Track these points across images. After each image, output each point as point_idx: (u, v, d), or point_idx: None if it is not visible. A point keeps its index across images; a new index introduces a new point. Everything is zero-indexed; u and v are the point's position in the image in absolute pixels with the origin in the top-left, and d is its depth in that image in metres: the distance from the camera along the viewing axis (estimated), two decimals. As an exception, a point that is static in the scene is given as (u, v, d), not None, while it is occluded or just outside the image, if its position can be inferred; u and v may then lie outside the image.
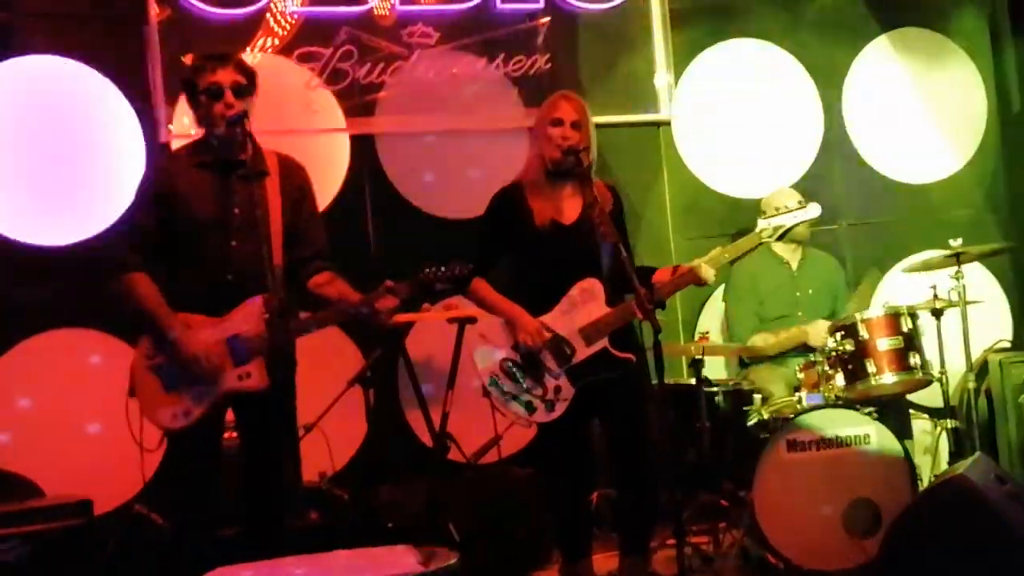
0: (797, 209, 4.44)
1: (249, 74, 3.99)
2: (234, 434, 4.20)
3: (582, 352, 4.21)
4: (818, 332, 5.31)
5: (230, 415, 4.07)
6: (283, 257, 3.97)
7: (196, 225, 3.93)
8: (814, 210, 4.45)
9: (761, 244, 4.46)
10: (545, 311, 4.23)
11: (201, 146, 4.05)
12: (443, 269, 3.99)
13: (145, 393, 3.93)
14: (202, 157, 4.01)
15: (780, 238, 4.51)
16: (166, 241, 3.97)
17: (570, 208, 4.31)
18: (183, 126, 5.35)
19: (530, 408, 4.21)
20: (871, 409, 4.77)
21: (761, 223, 4.42)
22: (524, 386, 4.21)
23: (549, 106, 4.34)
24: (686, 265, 4.27)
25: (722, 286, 5.83)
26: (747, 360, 5.62)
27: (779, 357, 5.45)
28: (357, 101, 5.87)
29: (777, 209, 4.44)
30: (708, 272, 4.24)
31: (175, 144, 5.40)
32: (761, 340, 5.49)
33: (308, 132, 5.76)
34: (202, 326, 3.91)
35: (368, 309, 3.93)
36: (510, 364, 4.23)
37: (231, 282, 3.93)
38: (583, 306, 4.22)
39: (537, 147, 4.33)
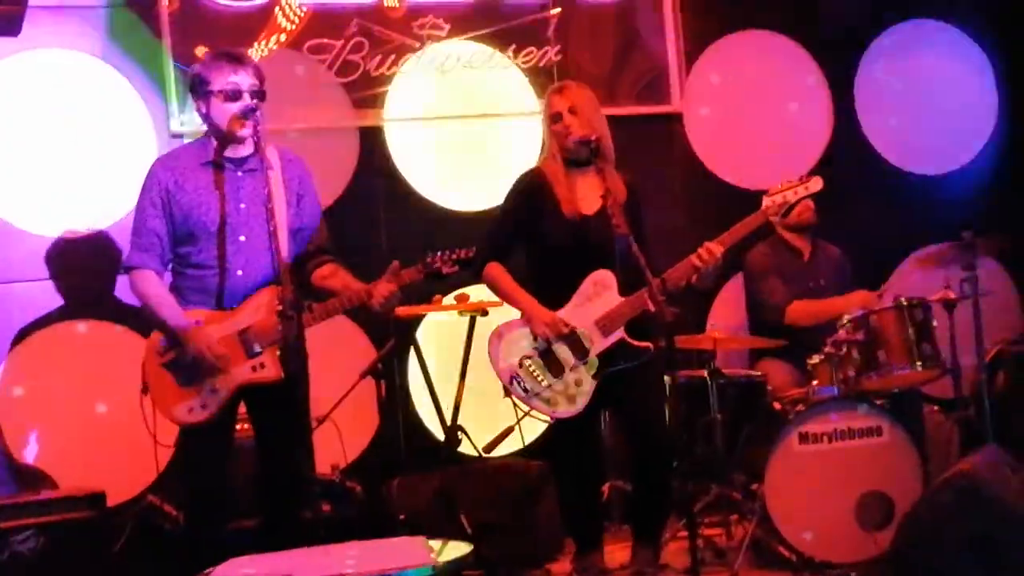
0: (799, 184, 4.41)
1: (262, 78, 4.01)
2: (247, 426, 4.22)
3: (600, 344, 4.20)
4: (862, 300, 5.17)
5: (242, 408, 4.08)
6: (289, 251, 3.97)
7: (204, 223, 3.94)
8: (816, 184, 4.41)
9: (768, 221, 4.42)
10: (560, 303, 4.22)
11: (207, 143, 4.05)
12: (448, 252, 3.98)
13: (158, 389, 3.94)
14: (208, 154, 4.01)
15: (786, 215, 4.46)
16: (172, 239, 3.98)
17: (592, 198, 4.31)
18: (194, 119, 5.35)
19: (552, 404, 4.20)
20: (883, 401, 4.76)
21: (766, 200, 4.41)
22: (545, 382, 4.20)
23: (545, 105, 4.41)
24: None
25: (736, 274, 5.81)
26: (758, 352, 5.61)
27: (791, 350, 5.42)
28: (367, 93, 5.87)
29: (780, 185, 4.41)
30: (716, 248, 4.21)
31: (186, 136, 5.41)
32: (801, 308, 5.42)
33: (318, 127, 5.76)
34: (212, 321, 3.93)
35: (369, 296, 3.93)
36: (529, 361, 4.22)
37: (240, 278, 3.95)
38: (597, 298, 4.22)
39: (550, 143, 4.37)
